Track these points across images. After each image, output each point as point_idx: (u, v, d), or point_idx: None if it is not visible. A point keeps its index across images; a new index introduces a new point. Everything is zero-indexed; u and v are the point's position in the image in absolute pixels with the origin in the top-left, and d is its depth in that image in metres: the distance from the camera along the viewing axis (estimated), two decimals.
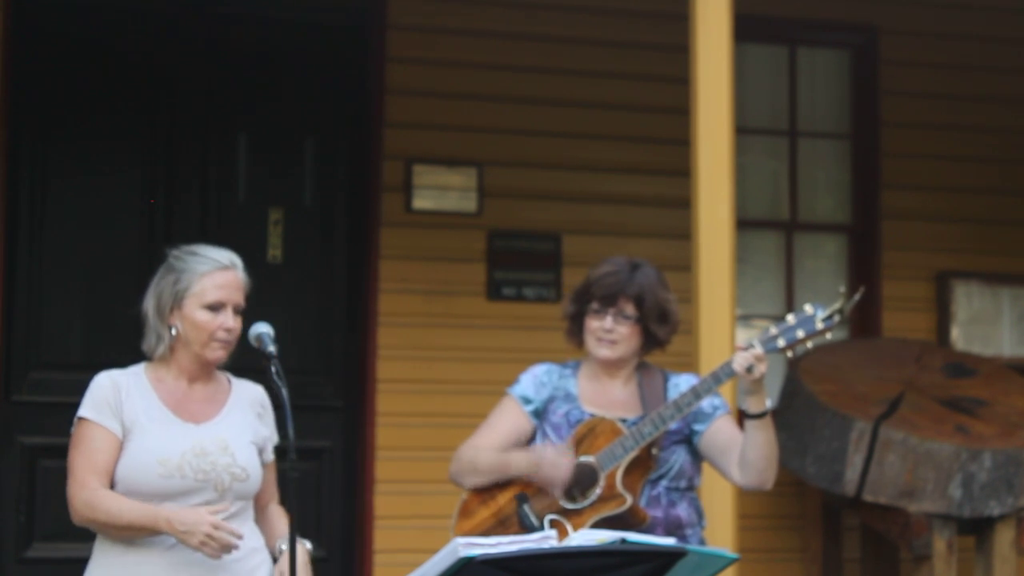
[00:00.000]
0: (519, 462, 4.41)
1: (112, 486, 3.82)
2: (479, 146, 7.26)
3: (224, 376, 4.03)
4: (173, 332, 3.90)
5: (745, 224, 7.32)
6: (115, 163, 7.02)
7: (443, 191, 7.21)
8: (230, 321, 3.89)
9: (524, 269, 7.28)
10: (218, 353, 3.90)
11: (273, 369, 3.72)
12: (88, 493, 3.78)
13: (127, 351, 6.90)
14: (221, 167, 7.14)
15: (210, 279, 3.90)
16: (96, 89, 7.00)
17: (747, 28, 6.25)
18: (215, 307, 3.89)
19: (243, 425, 3.91)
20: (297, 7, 7.24)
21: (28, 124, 6.90)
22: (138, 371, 3.98)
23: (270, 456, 4.04)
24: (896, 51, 7.90)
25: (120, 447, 3.84)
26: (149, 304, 3.95)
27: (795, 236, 7.88)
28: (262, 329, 3.84)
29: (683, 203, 5.43)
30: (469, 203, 7.24)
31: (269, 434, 4.03)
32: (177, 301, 3.90)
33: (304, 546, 3.89)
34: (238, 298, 3.93)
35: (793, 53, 7.96)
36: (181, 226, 7.04)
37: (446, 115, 7.24)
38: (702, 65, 5.20)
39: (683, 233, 5.44)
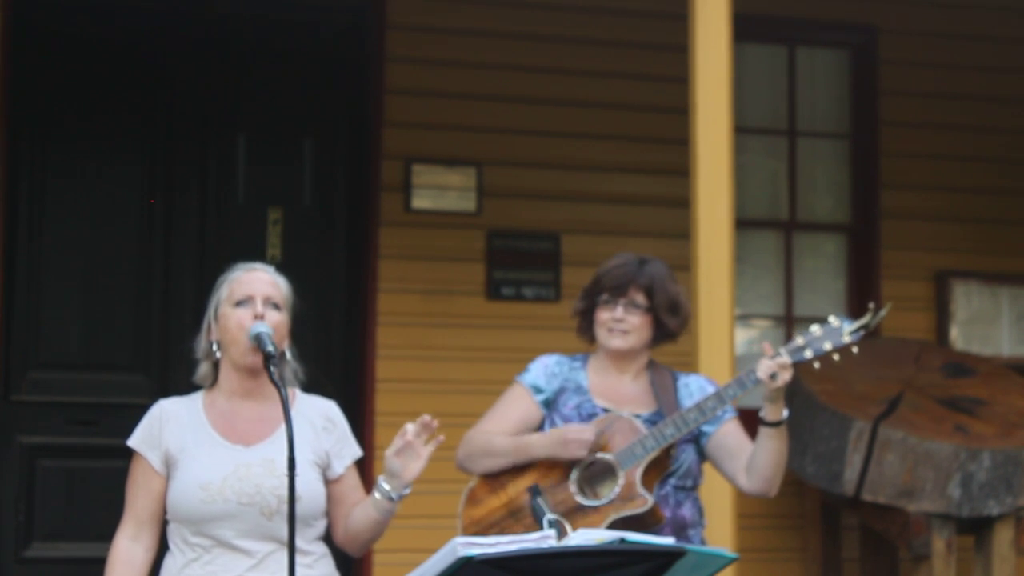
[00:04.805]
0: (540, 444, 4.39)
1: (164, 514, 3.88)
2: (478, 146, 7.26)
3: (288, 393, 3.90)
4: (214, 347, 3.91)
5: (744, 224, 7.33)
6: (114, 163, 7.02)
7: (442, 191, 7.20)
8: (259, 308, 3.85)
9: (523, 269, 7.28)
10: (254, 356, 3.83)
11: (271, 369, 3.69)
12: (117, 541, 3.87)
13: (126, 351, 7.01)
14: (220, 167, 7.14)
15: (236, 281, 3.93)
16: (95, 89, 7.00)
17: (747, 28, 6.24)
18: (243, 303, 3.88)
19: (299, 444, 3.70)
20: (297, 7, 7.24)
21: (27, 124, 6.90)
22: (196, 397, 3.96)
23: (338, 471, 3.99)
24: (896, 51, 7.90)
25: (160, 478, 3.86)
26: (201, 333, 3.98)
27: (794, 236, 7.87)
28: (261, 329, 3.81)
29: (682, 203, 5.43)
30: (468, 203, 7.23)
31: (337, 449, 3.99)
32: (215, 312, 3.93)
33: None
34: (267, 291, 3.90)
35: (792, 53, 7.95)
36: (180, 226, 7.05)
37: (445, 115, 7.24)
38: (701, 65, 5.20)
39: (682, 233, 5.44)
